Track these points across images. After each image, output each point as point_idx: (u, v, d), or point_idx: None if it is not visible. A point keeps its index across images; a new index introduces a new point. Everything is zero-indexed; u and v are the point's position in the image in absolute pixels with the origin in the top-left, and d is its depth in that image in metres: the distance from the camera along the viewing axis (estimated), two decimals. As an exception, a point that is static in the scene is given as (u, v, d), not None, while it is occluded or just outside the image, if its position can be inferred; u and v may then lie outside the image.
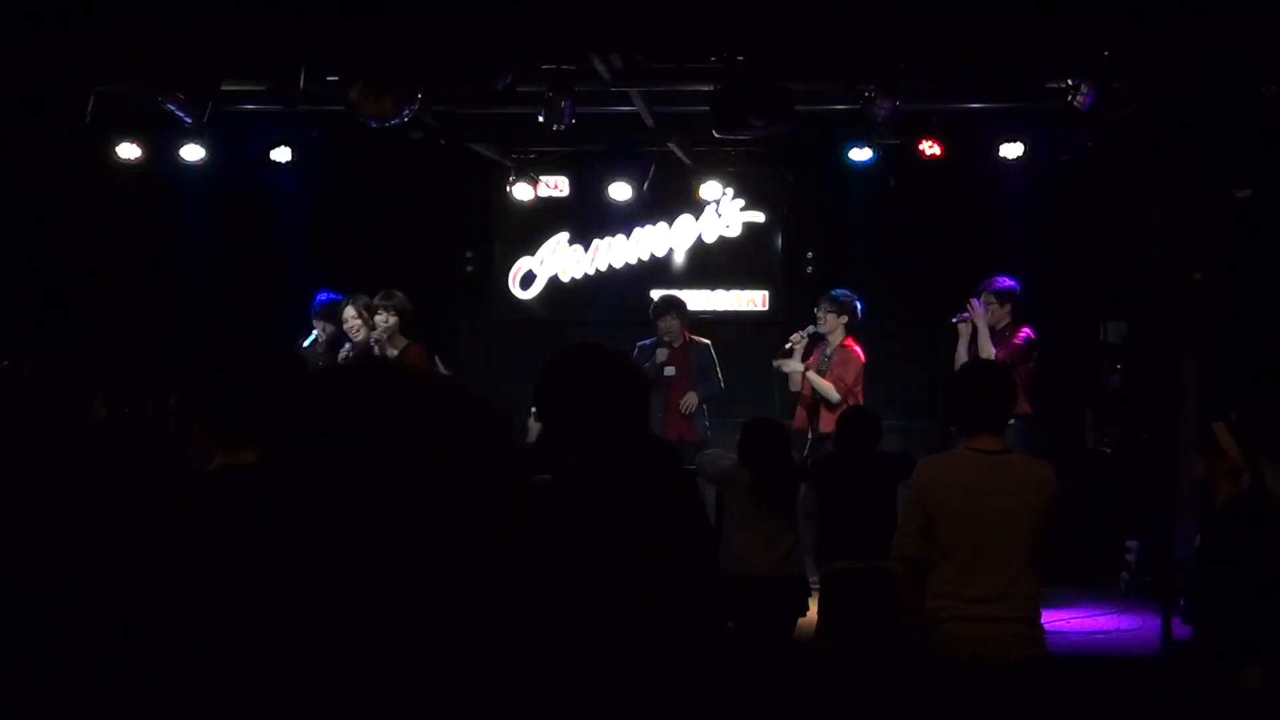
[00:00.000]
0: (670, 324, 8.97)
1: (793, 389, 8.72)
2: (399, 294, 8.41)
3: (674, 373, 8.91)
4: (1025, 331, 8.42)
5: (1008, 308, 8.49)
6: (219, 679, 1.10)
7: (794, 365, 8.69)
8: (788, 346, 8.75)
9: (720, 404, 9.06)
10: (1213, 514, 4.75)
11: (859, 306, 8.69)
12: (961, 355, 8.33)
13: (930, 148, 9.26)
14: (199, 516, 1.23)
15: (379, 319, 8.30)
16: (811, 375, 8.55)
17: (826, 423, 8.17)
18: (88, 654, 1.14)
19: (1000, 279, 8.59)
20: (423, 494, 1.18)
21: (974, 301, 8.46)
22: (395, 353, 8.18)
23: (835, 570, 6.34)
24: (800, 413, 8.63)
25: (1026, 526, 4.38)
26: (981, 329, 8.35)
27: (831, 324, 8.64)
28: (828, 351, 8.66)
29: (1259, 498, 4.56)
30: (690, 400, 8.83)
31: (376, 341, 8.29)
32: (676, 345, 8.96)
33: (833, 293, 8.74)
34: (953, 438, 4.58)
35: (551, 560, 1.24)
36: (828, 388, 8.46)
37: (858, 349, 8.61)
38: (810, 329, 8.72)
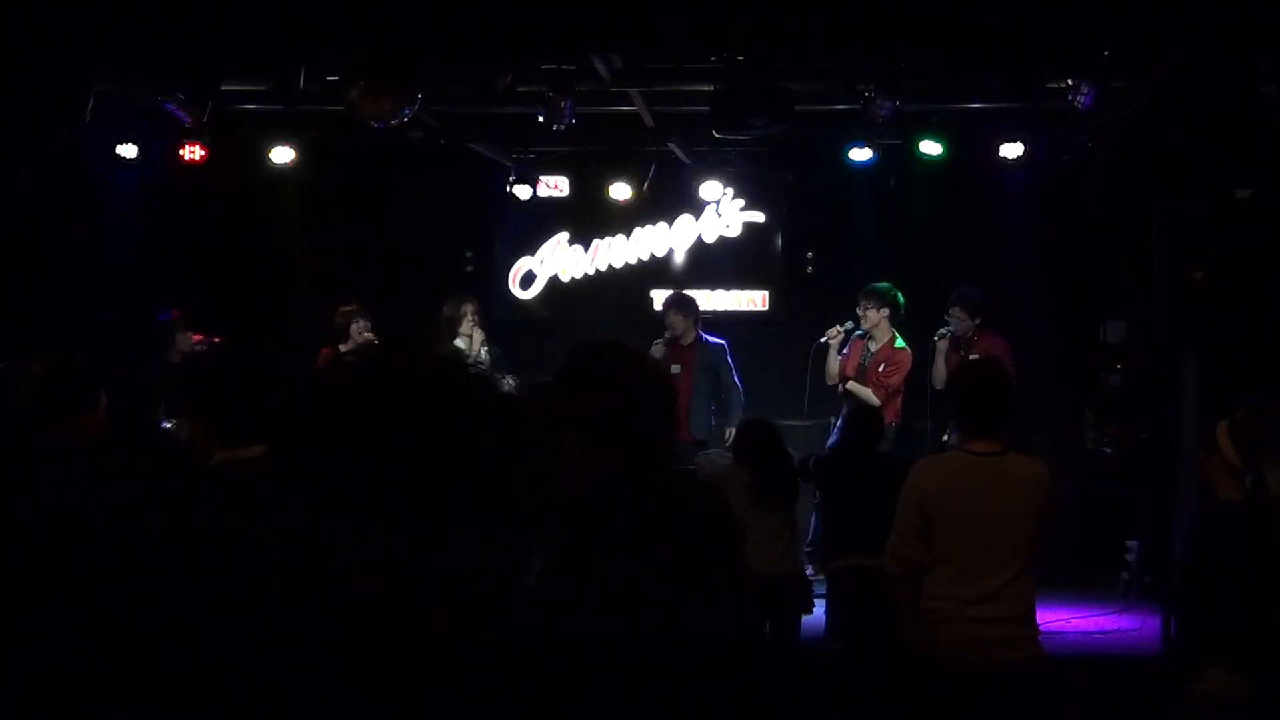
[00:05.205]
0: (673, 319, 8.93)
1: (829, 383, 8.69)
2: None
3: (678, 370, 8.87)
4: (997, 342, 8.44)
5: (978, 320, 8.58)
6: (219, 674, 1.10)
7: (832, 363, 8.64)
8: (823, 340, 8.72)
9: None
10: (1207, 513, 4.72)
11: (900, 299, 8.63)
12: (940, 367, 8.39)
13: (930, 148, 9.26)
14: (203, 510, 1.22)
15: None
16: (853, 385, 8.46)
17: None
18: (88, 641, 1.14)
19: (970, 290, 8.65)
20: (437, 490, 1.15)
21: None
22: None
23: (840, 568, 6.33)
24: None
25: (1022, 528, 4.37)
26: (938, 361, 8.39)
27: (874, 319, 8.58)
28: (872, 349, 8.59)
29: (1259, 501, 4.53)
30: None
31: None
32: (685, 342, 8.93)
33: (871, 286, 8.66)
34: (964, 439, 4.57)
35: (570, 561, 1.23)
36: (867, 392, 8.40)
37: (906, 352, 8.54)
38: (849, 325, 8.68)
